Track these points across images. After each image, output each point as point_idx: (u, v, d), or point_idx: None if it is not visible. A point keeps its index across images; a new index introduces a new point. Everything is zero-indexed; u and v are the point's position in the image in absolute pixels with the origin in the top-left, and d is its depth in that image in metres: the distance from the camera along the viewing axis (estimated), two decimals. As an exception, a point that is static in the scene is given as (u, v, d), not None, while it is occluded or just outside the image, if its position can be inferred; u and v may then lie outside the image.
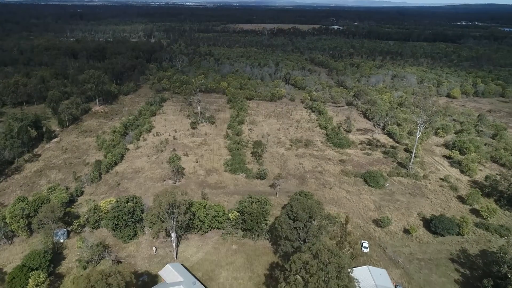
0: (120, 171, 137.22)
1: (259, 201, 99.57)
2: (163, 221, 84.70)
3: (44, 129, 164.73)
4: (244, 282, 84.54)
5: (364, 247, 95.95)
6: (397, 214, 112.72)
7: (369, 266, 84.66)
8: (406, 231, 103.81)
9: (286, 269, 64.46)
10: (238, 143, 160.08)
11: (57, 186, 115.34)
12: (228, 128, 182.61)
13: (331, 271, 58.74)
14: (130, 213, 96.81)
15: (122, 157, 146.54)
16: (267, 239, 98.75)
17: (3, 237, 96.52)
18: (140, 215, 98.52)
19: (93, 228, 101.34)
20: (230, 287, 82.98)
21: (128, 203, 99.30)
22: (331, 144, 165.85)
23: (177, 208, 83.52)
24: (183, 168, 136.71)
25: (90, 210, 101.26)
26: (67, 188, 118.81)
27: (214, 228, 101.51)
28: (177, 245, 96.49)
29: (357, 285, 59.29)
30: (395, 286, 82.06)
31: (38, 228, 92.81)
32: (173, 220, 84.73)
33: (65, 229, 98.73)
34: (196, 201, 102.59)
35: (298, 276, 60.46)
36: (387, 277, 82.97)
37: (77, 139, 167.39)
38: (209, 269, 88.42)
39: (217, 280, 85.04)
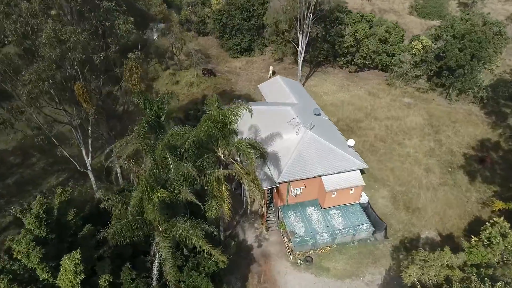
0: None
1: (487, 22, 48.51)
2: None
3: None
4: (420, 151, 41.30)
5: None
6: None
7: None
8: None
9: None
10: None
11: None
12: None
13: None
14: (245, 10, 60.05)
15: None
16: (478, 103, 50.14)
17: None
18: (261, 21, 60.66)
19: (198, 33, 69.90)
20: (383, 153, 41.47)
21: (248, -2, 62.06)
22: None
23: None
24: None
25: (197, 4, 69.04)
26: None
27: (377, 65, 57.25)
28: (308, 76, 57.62)
29: None
30: None
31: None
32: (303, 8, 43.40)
33: (162, 24, 69.74)
34: (353, 12, 58.54)
35: None
36: None
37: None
38: (352, 118, 47.51)
39: (362, 136, 44.08)
